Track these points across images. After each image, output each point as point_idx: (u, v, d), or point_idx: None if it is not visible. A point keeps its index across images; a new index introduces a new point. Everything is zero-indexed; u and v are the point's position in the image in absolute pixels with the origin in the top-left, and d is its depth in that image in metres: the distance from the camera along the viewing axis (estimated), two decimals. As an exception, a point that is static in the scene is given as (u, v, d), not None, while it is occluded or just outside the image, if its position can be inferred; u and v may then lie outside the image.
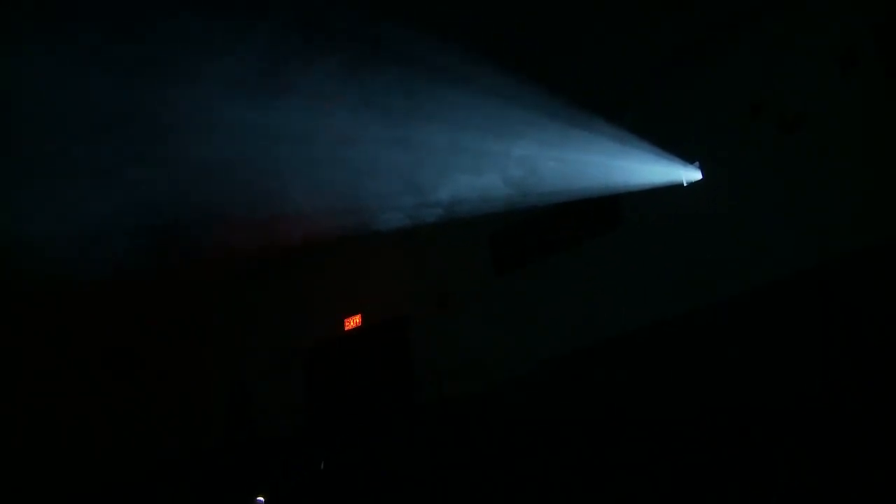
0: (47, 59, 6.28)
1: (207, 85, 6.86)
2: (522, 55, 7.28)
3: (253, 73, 6.99)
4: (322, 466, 9.87)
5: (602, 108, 7.84)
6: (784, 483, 5.85)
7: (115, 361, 11.60)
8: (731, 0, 7.44)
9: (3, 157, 7.38)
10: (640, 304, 7.96)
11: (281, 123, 7.48)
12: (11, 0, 6.12)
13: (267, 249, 10.21)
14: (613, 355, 7.95)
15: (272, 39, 6.66)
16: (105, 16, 6.12)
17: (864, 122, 6.76)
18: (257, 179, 8.34)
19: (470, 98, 7.44)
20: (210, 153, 7.62)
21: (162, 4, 6.12)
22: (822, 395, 6.13)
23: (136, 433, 11.26)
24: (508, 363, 8.88)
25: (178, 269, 10.08)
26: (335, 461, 9.88)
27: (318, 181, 8.38)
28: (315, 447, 10.26)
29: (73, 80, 6.46)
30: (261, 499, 9.78)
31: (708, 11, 7.50)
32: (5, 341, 10.25)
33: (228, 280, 11.63)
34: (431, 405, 9.51)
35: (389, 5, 6.45)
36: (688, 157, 7.90)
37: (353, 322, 10.94)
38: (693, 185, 7.90)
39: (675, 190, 7.94)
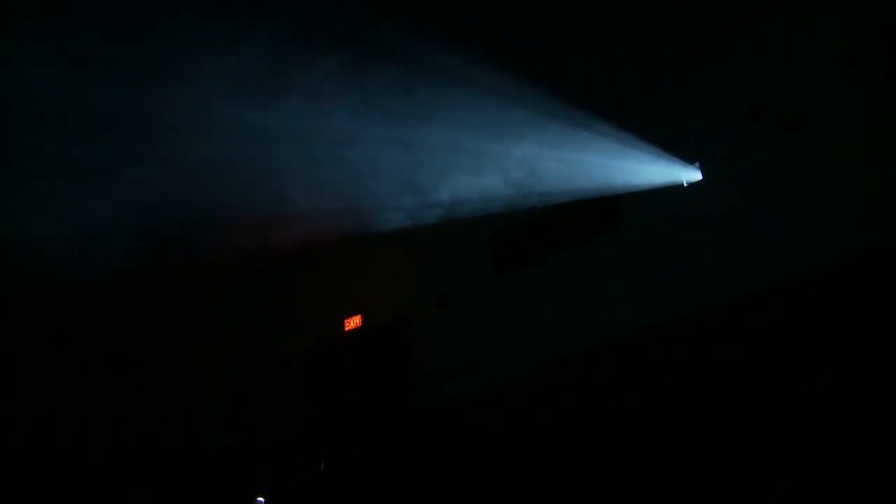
0: (47, 60, 6.27)
1: (207, 85, 6.86)
2: (522, 55, 7.27)
3: (253, 73, 6.98)
4: (322, 466, 9.87)
5: (602, 108, 7.84)
6: (784, 483, 5.85)
7: (115, 361, 11.60)
8: (731, 0, 7.43)
9: (3, 157, 7.38)
10: (639, 304, 7.96)
11: (281, 124, 7.48)
12: (11, 0, 6.11)
13: (267, 250, 10.22)
14: (613, 355, 7.95)
15: (272, 40, 6.65)
16: (105, 16, 6.12)
17: (864, 122, 6.76)
18: (257, 180, 8.35)
19: (470, 98, 7.43)
20: (210, 153, 7.62)
21: (162, 4, 6.11)
22: (822, 395, 6.13)
23: (136, 433, 11.27)
24: (508, 363, 8.89)
25: (177, 269, 10.08)
26: (335, 461, 9.88)
27: (319, 181, 8.39)
28: (315, 447, 10.27)
29: (72, 80, 6.46)
30: (261, 499, 9.78)
31: (708, 11, 7.49)
32: (5, 341, 10.25)
33: (228, 280, 11.63)
34: (431, 405, 9.52)
35: (389, 5, 6.45)
36: (688, 158, 7.90)
37: (353, 323, 10.94)
38: (693, 186, 7.91)
39: (675, 190, 7.94)
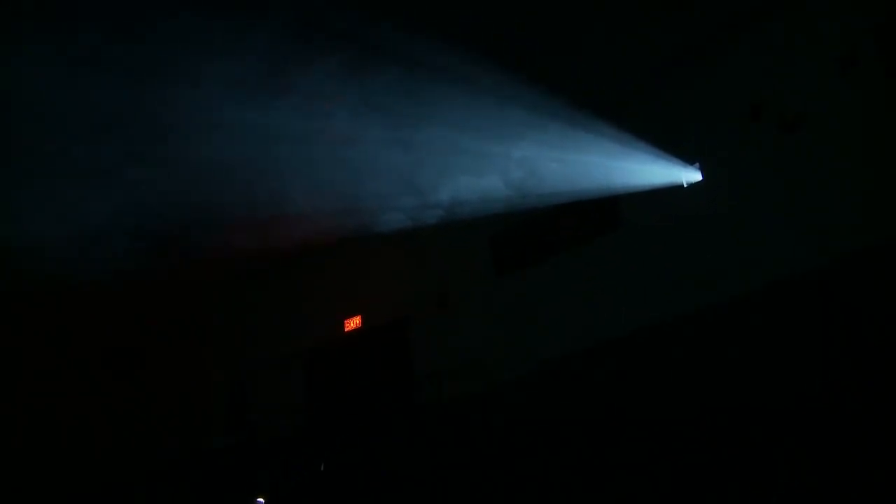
0: (47, 60, 6.27)
1: (207, 85, 6.86)
2: (522, 55, 7.27)
3: (253, 73, 6.99)
4: (322, 466, 9.87)
5: (602, 108, 7.84)
6: (784, 483, 5.85)
7: (115, 361, 11.60)
8: (731, 0, 7.43)
9: (3, 157, 7.38)
10: (639, 304, 7.96)
11: (281, 124, 7.48)
12: (11, 0, 6.11)
13: (267, 250, 10.22)
14: (613, 356, 7.95)
15: (272, 40, 6.65)
16: (105, 16, 6.12)
17: (864, 122, 6.76)
18: (257, 180, 8.35)
19: (470, 99, 7.43)
20: (210, 153, 7.62)
21: (162, 5, 6.12)
22: (822, 395, 6.13)
23: (136, 433, 11.27)
24: (508, 363, 8.89)
25: (177, 269, 10.08)
26: (335, 461, 9.88)
27: (319, 182, 8.39)
28: (315, 447, 10.27)
29: (73, 81, 6.46)
30: (261, 500, 9.78)
31: (708, 12, 7.49)
32: (5, 341, 10.25)
33: (228, 280, 11.63)
34: (431, 405, 9.52)
35: (389, 5, 6.45)
36: (688, 158, 7.90)
37: (353, 323, 10.94)
38: (693, 186, 7.90)
39: (675, 191, 7.94)
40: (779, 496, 5.84)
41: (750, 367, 6.77)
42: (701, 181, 7.87)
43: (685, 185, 7.94)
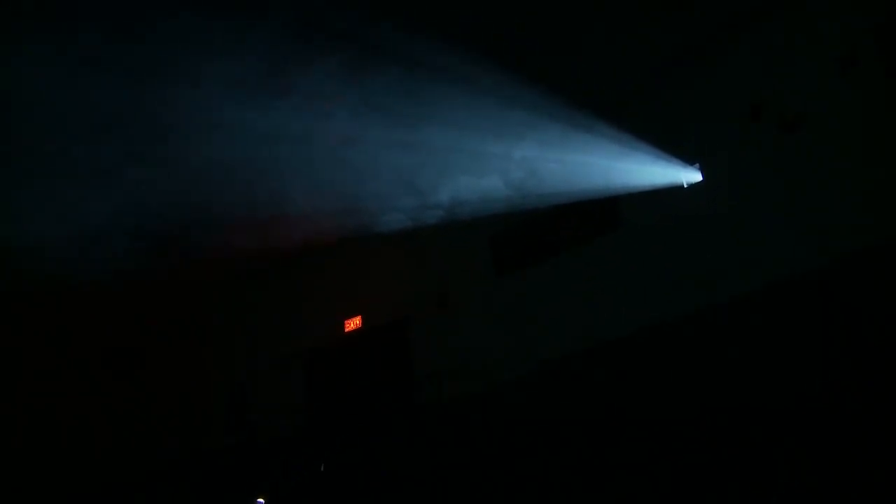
0: (47, 60, 6.27)
1: (208, 86, 6.86)
2: (522, 55, 7.27)
3: (253, 73, 6.98)
4: (322, 466, 9.87)
5: (602, 108, 7.84)
6: (784, 483, 5.85)
7: (115, 361, 11.61)
8: (731, 0, 7.44)
9: (3, 157, 7.38)
10: (639, 305, 7.96)
11: (281, 124, 7.48)
12: (11, 0, 6.11)
13: (267, 250, 10.22)
14: (613, 356, 7.95)
15: (272, 40, 6.65)
16: (105, 16, 6.12)
17: (864, 122, 6.76)
18: (258, 180, 8.35)
19: (470, 99, 7.43)
20: (210, 154, 7.62)
21: (162, 5, 6.11)
22: (822, 395, 6.13)
23: (136, 433, 11.27)
24: (508, 363, 8.89)
25: (177, 269, 10.08)
26: (335, 461, 9.88)
27: (319, 182, 8.39)
28: (315, 447, 10.27)
29: (73, 81, 6.46)
30: (261, 500, 9.78)
31: (708, 12, 7.49)
32: (5, 341, 10.25)
33: (228, 280, 11.63)
34: (431, 405, 9.52)
35: (389, 5, 6.45)
36: (688, 159, 7.90)
37: (353, 324, 10.94)
38: (693, 186, 7.90)
39: (675, 191, 7.94)
40: (779, 496, 5.84)
41: (750, 367, 6.77)
42: (701, 181, 7.87)
43: (685, 186, 7.94)
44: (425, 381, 9.73)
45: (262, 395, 11.48)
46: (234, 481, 10.38)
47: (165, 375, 11.91)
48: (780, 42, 7.41)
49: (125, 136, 7.31)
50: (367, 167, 8.43)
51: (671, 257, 7.89)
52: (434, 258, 10.28)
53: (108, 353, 11.55)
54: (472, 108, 7.57)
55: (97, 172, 7.65)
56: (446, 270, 10.09)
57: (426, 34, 6.62)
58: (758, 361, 6.76)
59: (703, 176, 7.87)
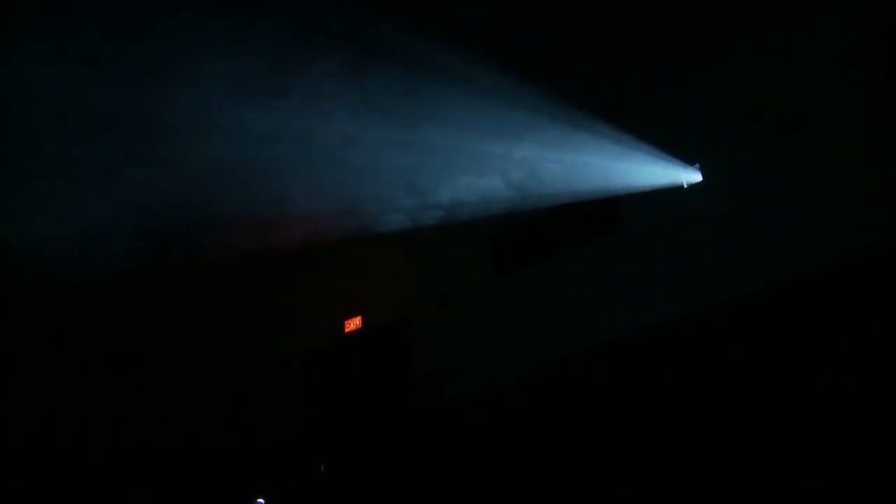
0: (47, 60, 6.28)
1: (208, 86, 6.87)
2: (522, 55, 7.27)
3: (253, 73, 6.99)
4: (322, 466, 9.87)
5: (602, 109, 7.84)
6: (784, 483, 5.85)
7: (115, 361, 11.61)
8: (731, 0, 7.44)
9: (3, 157, 7.39)
10: (640, 305, 7.96)
11: (281, 124, 7.48)
12: (11, 0, 6.11)
13: (267, 250, 10.22)
14: (613, 356, 7.95)
15: (272, 40, 6.66)
16: (105, 16, 6.12)
17: (864, 122, 6.76)
18: (257, 180, 8.35)
19: (470, 99, 7.43)
20: (210, 154, 7.62)
21: (162, 5, 6.12)
22: (822, 395, 6.13)
23: (136, 433, 11.27)
24: (508, 363, 8.88)
25: (177, 269, 10.08)
26: (335, 461, 9.88)
27: (319, 182, 8.39)
28: (315, 447, 10.27)
29: (73, 81, 6.46)
30: (261, 500, 9.78)
31: (708, 12, 7.50)
32: (5, 341, 10.25)
33: (228, 280, 11.63)
34: (431, 405, 9.52)
35: (389, 5, 6.45)
36: (688, 159, 7.90)
37: (353, 324, 10.94)
38: (693, 187, 7.90)
39: (675, 191, 7.94)
40: (779, 496, 5.84)
41: (750, 367, 6.77)
42: (701, 181, 7.87)
43: (685, 186, 7.94)
44: (425, 381, 9.73)
45: (262, 395, 11.48)
46: (234, 481, 10.38)
47: (165, 375, 11.91)
48: (780, 42, 7.41)
49: (125, 136, 7.32)
50: (367, 167, 8.43)
51: (671, 257, 7.88)
52: (434, 258, 10.27)
53: (108, 353, 11.55)
54: (472, 108, 7.57)
55: (97, 172, 7.65)
56: (446, 270, 10.09)
57: (426, 34, 6.62)
58: (758, 361, 6.75)
59: (703, 176, 7.87)
